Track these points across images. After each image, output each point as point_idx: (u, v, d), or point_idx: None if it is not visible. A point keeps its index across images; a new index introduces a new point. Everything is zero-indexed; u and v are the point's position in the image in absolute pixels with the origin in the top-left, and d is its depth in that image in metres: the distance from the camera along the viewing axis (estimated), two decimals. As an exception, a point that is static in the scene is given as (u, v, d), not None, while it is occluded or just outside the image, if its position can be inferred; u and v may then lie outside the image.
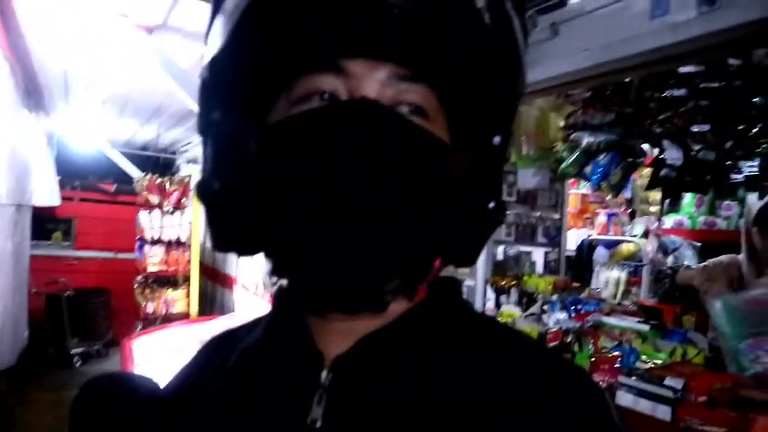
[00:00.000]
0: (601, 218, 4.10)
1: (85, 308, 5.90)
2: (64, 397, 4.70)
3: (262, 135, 0.45)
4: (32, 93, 4.18)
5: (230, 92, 0.46)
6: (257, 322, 0.56)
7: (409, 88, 0.45)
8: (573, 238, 4.15)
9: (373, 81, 0.44)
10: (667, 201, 4.04)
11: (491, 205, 0.49)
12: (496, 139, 0.48)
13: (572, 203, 4.15)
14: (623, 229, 4.06)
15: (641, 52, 1.72)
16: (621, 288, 3.65)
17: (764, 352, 1.69)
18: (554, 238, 3.21)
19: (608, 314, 2.61)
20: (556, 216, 3.21)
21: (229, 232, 0.49)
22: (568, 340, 2.41)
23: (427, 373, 0.45)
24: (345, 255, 0.41)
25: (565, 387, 0.45)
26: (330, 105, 0.44)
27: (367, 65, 0.44)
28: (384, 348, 0.46)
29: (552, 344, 2.41)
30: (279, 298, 0.53)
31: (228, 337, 0.59)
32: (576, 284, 3.04)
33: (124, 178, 6.50)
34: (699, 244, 3.77)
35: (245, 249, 0.50)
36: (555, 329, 2.45)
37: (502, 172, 0.51)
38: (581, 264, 4.07)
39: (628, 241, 3.73)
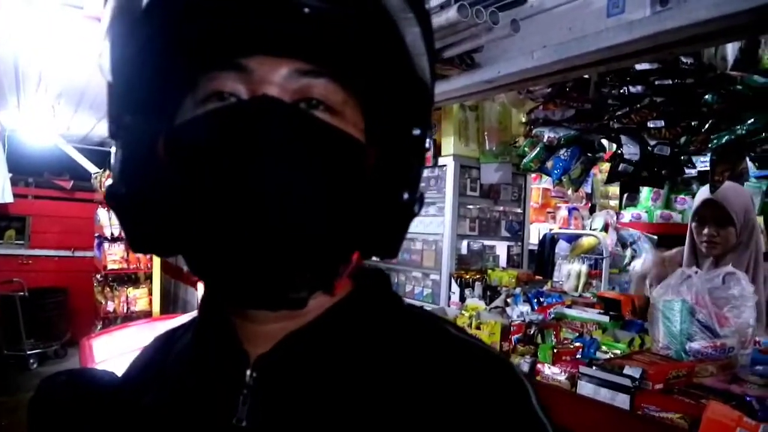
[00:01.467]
0: (563, 212, 4.18)
1: (40, 308, 5.73)
2: (20, 400, 4.55)
3: (167, 136, 0.45)
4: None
5: (136, 94, 0.45)
6: (193, 321, 0.56)
7: (312, 83, 0.44)
8: (535, 232, 4.22)
9: (274, 78, 0.43)
10: (626, 195, 4.15)
11: (405, 196, 0.48)
12: (415, 132, 0.48)
13: (534, 198, 4.21)
14: (583, 223, 4.15)
15: (598, 50, 1.76)
16: (582, 280, 3.74)
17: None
18: (517, 232, 3.26)
19: (569, 306, 2.67)
20: (519, 210, 3.26)
21: (142, 235, 0.48)
22: (532, 332, 2.46)
23: (347, 370, 0.46)
24: (251, 251, 0.41)
25: (485, 380, 0.45)
26: (229, 104, 0.43)
27: (268, 62, 0.43)
28: (305, 346, 0.47)
29: (516, 336, 2.45)
30: (205, 299, 0.53)
31: (169, 336, 0.59)
32: (539, 277, 3.10)
33: (82, 175, 6.31)
34: (656, 237, 3.89)
35: (161, 250, 0.49)
36: (518, 322, 2.49)
37: (421, 164, 0.51)
38: (543, 257, 4.15)
39: (589, 235, 3.82)
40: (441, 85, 2.27)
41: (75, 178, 6.64)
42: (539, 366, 2.12)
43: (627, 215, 4.04)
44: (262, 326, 0.48)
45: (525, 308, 2.56)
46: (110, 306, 4.92)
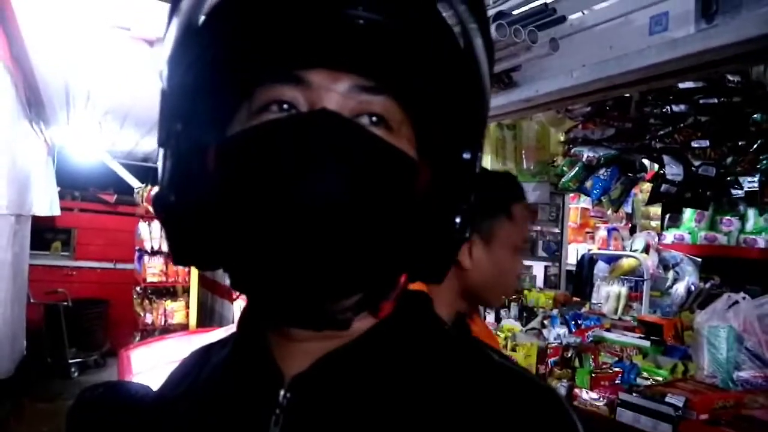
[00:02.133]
0: (602, 233, 4.09)
1: (82, 318, 5.88)
2: (60, 407, 4.67)
3: (220, 146, 0.44)
4: (33, 104, 4.20)
5: (190, 103, 0.45)
6: (230, 337, 0.55)
7: (371, 100, 0.44)
8: (574, 253, 4.14)
9: (334, 92, 0.43)
10: (668, 216, 4.04)
11: (457, 220, 0.47)
12: (466, 155, 0.47)
13: (573, 218, 4.14)
14: (623, 244, 4.04)
15: (640, 68, 1.73)
16: (621, 303, 3.63)
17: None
18: (554, 252, 3.20)
19: (609, 329, 2.60)
20: (557, 230, 3.20)
21: (186, 247, 0.47)
22: (569, 355, 2.40)
23: (384, 394, 0.44)
24: (301, 269, 0.40)
25: (530, 411, 0.43)
26: (289, 116, 0.43)
27: (328, 76, 0.43)
28: (342, 367, 0.46)
29: (552, 359, 2.39)
30: (243, 315, 0.52)
31: (205, 351, 0.58)
32: (576, 299, 3.03)
33: (125, 189, 6.50)
34: (699, 259, 3.76)
35: (204, 263, 0.48)
36: (555, 344, 2.43)
37: (472, 188, 0.48)
38: (582, 278, 4.06)
39: (629, 256, 3.72)
40: (478, 104, 2.26)
41: (119, 192, 6.85)
42: (576, 390, 2.06)
43: (669, 236, 3.92)
44: (299, 345, 0.46)
45: (562, 330, 2.50)
46: (149, 318, 5.03)
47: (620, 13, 1.79)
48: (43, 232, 6.37)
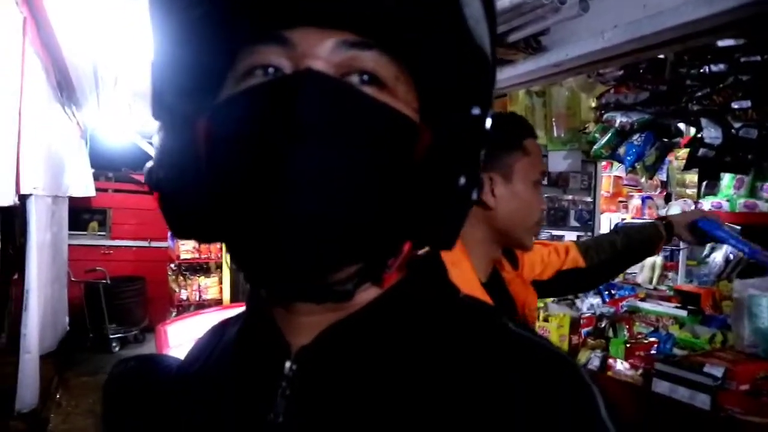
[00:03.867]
0: (636, 201, 3.98)
1: (121, 296, 6.06)
2: (102, 380, 4.84)
3: (206, 117, 0.42)
4: (64, 88, 4.27)
5: (177, 74, 0.43)
6: (242, 314, 0.54)
7: (360, 55, 0.41)
8: (606, 222, 4.05)
9: (320, 51, 0.40)
10: (705, 183, 3.90)
11: (461, 182, 0.44)
12: (475, 110, 0.44)
13: (605, 186, 4.04)
14: (658, 213, 3.94)
15: (676, 26, 1.64)
16: (657, 272, 3.55)
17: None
18: (587, 222, 3.14)
19: (643, 299, 2.55)
20: (589, 199, 3.13)
21: (182, 220, 0.46)
22: (602, 325, 2.36)
23: (391, 365, 0.43)
24: (293, 242, 0.38)
25: (546, 381, 0.41)
26: (271, 80, 0.40)
27: (312, 34, 0.40)
28: (348, 339, 0.44)
29: (586, 329, 2.36)
30: (251, 290, 0.51)
31: (222, 327, 0.58)
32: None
33: (157, 169, 6.61)
34: (739, 227, 3.63)
35: (201, 236, 0.47)
36: (588, 314, 2.40)
37: (481, 148, 0.46)
38: (615, 248, 3.98)
39: (664, 224, 3.62)
40: (506, 71, 2.20)
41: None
42: (611, 361, 2.03)
43: (707, 204, 3.79)
44: (304, 317, 0.45)
45: (596, 300, 2.46)
46: (183, 294, 5.15)
47: (655, -32, 1.71)
48: (80, 213, 6.55)
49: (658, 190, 4.19)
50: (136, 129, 6.09)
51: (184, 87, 0.44)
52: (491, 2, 0.43)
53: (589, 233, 3.16)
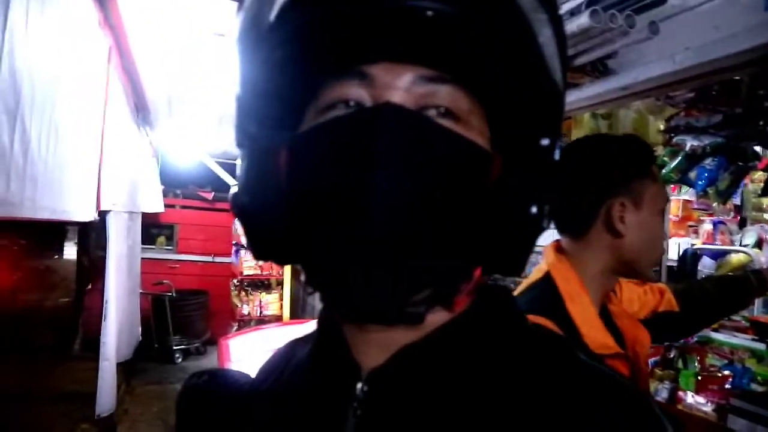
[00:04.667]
0: (707, 226, 3.81)
1: (185, 309, 6.28)
2: (166, 389, 5.04)
3: (288, 146, 0.45)
4: (140, 110, 4.52)
5: (261, 106, 0.46)
6: (313, 333, 0.56)
7: (436, 90, 0.43)
8: (674, 247, 3.90)
9: (398, 85, 0.42)
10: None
11: (533, 210, 0.45)
12: (544, 141, 0.45)
13: (674, 210, 3.89)
14: (731, 238, 3.75)
15: (753, 48, 1.59)
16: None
17: None
18: (654, 248, 3.02)
19: (716, 330, 2.43)
20: (657, 224, 3.02)
21: (262, 244, 0.49)
22: (671, 355, 2.27)
23: (461, 389, 0.44)
24: (369, 267, 0.40)
25: (617, 415, 0.41)
26: (352, 112, 0.42)
27: (391, 69, 0.42)
28: (417, 361, 0.45)
29: (653, 359, 2.27)
30: (322, 311, 0.53)
31: (293, 346, 0.60)
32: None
33: (222, 187, 6.87)
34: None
35: (281, 258, 0.49)
36: (655, 344, 2.31)
37: (552, 176, 0.47)
38: (684, 275, 3.81)
39: (738, 251, 3.45)
40: (571, 94, 2.18)
41: (216, 189, 7.24)
42: (681, 393, 1.95)
43: (786, 230, 3.59)
44: (375, 338, 0.46)
45: (663, 330, 2.37)
46: (245, 309, 5.29)
47: (729, -11, 1.66)
48: (149, 228, 6.87)
49: (732, 214, 4.00)
50: (203, 148, 6.37)
51: (268, 118, 0.47)
52: (563, 35, 0.45)
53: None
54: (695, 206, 4.03)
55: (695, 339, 2.32)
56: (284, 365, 0.57)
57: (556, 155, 0.46)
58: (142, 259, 6.01)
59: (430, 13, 0.38)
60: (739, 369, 2.02)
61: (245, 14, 0.45)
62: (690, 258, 3.80)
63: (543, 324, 0.54)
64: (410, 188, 0.39)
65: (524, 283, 1.15)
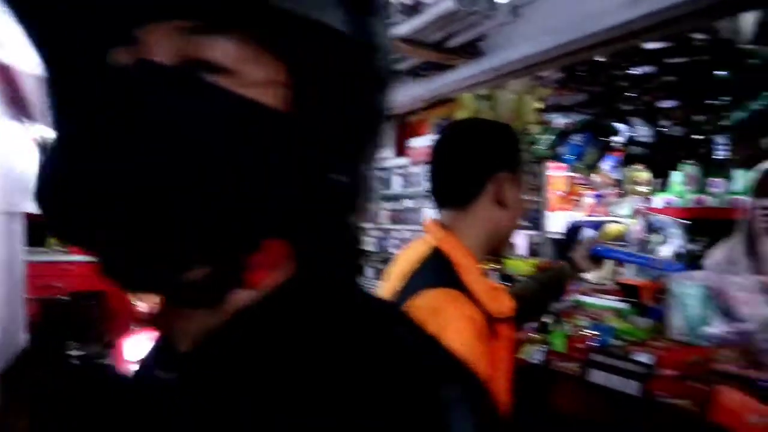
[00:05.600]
0: (589, 200, 4.09)
1: (80, 312, 5.93)
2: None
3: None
4: (15, 102, 4.18)
5: (57, 76, 0.44)
6: None
7: (202, 43, 0.39)
8: (561, 221, 4.15)
9: (159, 42, 0.39)
10: (658, 180, 4.02)
11: (333, 175, 0.42)
12: (349, 110, 0.42)
13: (559, 186, 4.14)
14: (610, 210, 4.05)
15: (603, 29, 1.72)
16: (609, 268, 3.65)
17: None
18: (535, 220, 3.21)
19: (586, 293, 2.62)
20: (537, 199, 3.21)
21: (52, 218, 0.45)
22: (545, 320, 2.42)
23: (265, 370, 0.42)
24: (122, 238, 0.37)
25: (401, 399, 0.38)
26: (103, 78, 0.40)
27: (154, 28, 0.39)
28: (219, 348, 0.43)
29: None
30: None
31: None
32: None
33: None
34: (689, 221, 3.76)
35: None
36: (534, 311, 2.45)
37: (366, 140, 0.44)
38: (569, 246, 4.06)
39: (615, 222, 3.73)
40: (448, 75, 2.26)
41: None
42: (553, 355, 2.09)
43: (659, 201, 3.92)
44: (180, 322, 0.45)
45: (542, 297, 2.52)
46: (143, 306, 5.08)
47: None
48: (40, 228, 6.38)
49: (614, 189, 4.31)
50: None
51: (63, 88, 0.44)
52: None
53: (538, 231, 3.24)
54: (580, 182, 4.30)
55: (568, 303, 2.49)
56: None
57: (379, 118, 0.44)
58: (32, 262, 5.58)
59: None
60: (604, 328, 2.18)
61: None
62: (573, 230, 4.07)
63: (380, 297, 0.52)
64: (162, 149, 0.36)
65: (404, 261, 1.15)
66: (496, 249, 1.19)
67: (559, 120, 2.40)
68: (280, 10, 0.37)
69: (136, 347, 3.96)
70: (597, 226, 3.92)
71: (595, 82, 2.28)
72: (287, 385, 0.40)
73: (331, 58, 0.41)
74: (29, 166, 5.00)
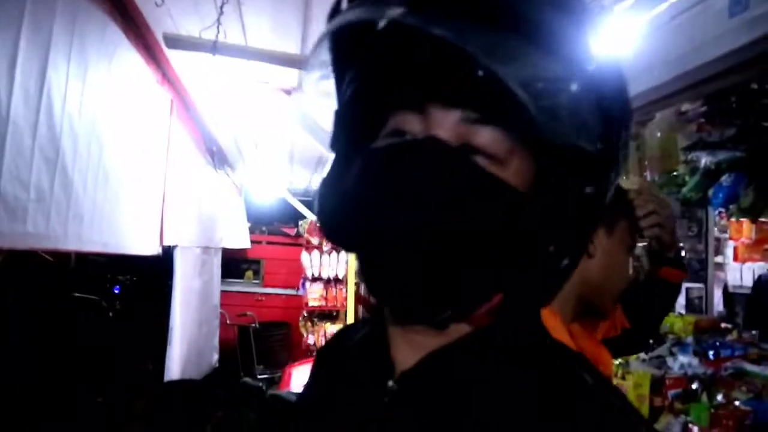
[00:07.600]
0: (785, 249, 3.47)
1: (268, 339, 6.61)
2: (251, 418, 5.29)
3: (357, 158, 0.52)
4: (215, 154, 4.96)
5: (349, 126, 0.56)
6: (365, 322, 0.66)
7: (477, 130, 0.48)
8: (749, 274, 3.58)
9: (445, 122, 0.48)
10: None
11: (551, 249, 0.48)
12: (588, 189, 0.48)
13: (746, 233, 3.59)
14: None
15: (720, 57, 1.54)
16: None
17: None
18: (698, 272, 2.80)
19: (755, 361, 2.21)
20: (700, 247, 2.81)
21: (329, 229, 0.55)
22: (694, 387, 2.10)
23: (475, 396, 0.50)
24: (394, 278, 0.48)
25: None
26: (401, 140, 0.50)
27: (443, 108, 0.49)
28: (443, 364, 0.52)
29: (673, 391, 2.12)
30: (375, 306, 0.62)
31: (346, 330, 0.71)
32: (726, 326, 2.62)
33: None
34: None
35: (341, 245, 0.57)
36: (677, 375, 2.14)
37: (587, 221, 0.51)
38: (760, 303, 3.45)
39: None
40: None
41: (298, 225, 7.64)
42: (691, 427, 1.82)
43: None
44: (410, 340, 0.54)
45: (690, 360, 2.19)
46: (311, 339, 5.50)
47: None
48: (239, 263, 7.39)
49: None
50: (285, 186, 6.79)
51: (352, 137, 0.56)
52: (617, 100, 0.47)
53: (701, 284, 2.82)
54: (774, 229, 3.66)
55: (727, 371, 2.14)
56: (337, 349, 0.68)
57: (599, 204, 0.50)
58: (231, 292, 6.43)
59: (480, 72, 0.43)
60: (765, 404, 1.84)
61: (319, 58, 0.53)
62: (765, 283, 3.46)
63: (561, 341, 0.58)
64: (434, 215, 0.45)
65: None
66: (595, 305, 1.12)
67: (703, 158, 2.12)
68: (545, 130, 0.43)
69: (299, 374, 4.32)
70: (792, 280, 3.29)
71: (747, 113, 1.98)
72: (490, 405, 0.49)
73: (575, 166, 0.48)
74: (231, 207, 5.82)
